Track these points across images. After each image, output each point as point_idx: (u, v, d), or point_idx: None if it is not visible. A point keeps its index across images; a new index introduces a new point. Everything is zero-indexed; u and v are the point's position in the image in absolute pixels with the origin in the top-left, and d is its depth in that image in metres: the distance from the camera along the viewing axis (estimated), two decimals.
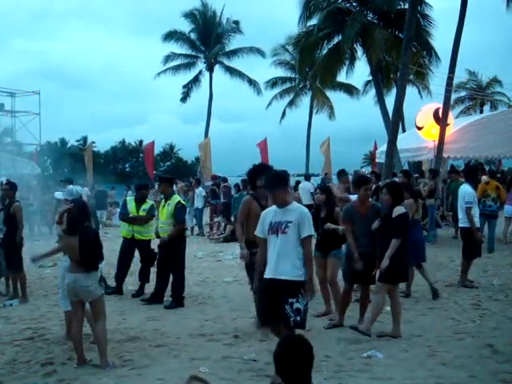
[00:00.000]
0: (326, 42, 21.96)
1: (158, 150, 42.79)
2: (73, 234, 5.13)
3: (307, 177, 19.76)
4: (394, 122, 14.06)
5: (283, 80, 36.17)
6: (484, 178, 11.93)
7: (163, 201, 7.95)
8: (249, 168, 6.30)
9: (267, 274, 4.67)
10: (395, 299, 5.98)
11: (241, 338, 5.95)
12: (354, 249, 6.13)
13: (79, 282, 5.02)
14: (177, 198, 7.88)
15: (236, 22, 35.39)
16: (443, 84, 17.08)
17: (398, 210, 5.83)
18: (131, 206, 8.44)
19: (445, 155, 16.73)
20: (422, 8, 19.69)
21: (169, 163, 57.14)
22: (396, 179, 13.67)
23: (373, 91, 26.59)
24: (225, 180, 19.43)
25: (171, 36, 34.92)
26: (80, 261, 5.06)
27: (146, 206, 8.35)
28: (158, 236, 7.92)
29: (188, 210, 16.28)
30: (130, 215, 8.34)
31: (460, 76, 29.36)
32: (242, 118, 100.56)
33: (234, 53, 35.67)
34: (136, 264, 8.53)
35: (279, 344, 2.74)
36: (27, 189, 16.57)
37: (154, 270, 8.46)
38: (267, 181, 4.92)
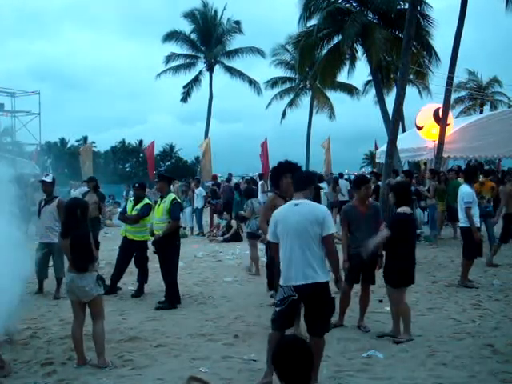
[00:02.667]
0: (325, 42, 21.96)
1: (157, 149, 42.78)
2: (65, 237, 5.20)
3: (341, 175, 20.67)
4: (394, 122, 14.04)
5: (283, 80, 36.12)
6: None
7: (159, 199, 8.02)
8: (274, 166, 6.35)
9: None
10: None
11: (241, 337, 5.95)
12: (344, 249, 6.17)
13: (75, 282, 5.08)
14: (172, 195, 7.91)
15: (237, 22, 35.32)
16: (443, 84, 17.10)
17: (401, 210, 5.80)
18: (129, 205, 8.63)
19: (445, 155, 16.74)
20: (422, 8, 19.68)
21: (169, 163, 57.11)
22: (398, 178, 13.72)
23: (373, 91, 26.60)
24: (228, 180, 19.79)
25: (171, 36, 34.88)
26: (71, 262, 5.15)
27: (138, 206, 8.40)
28: (152, 234, 7.94)
29: (189, 209, 16.39)
30: (126, 214, 8.53)
31: (460, 76, 29.37)
32: (242, 118, 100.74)
33: (234, 53, 35.63)
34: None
35: (279, 345, 2.73)
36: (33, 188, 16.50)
37: (153, 271, 8.48)
38: (295, 182, 4.87)
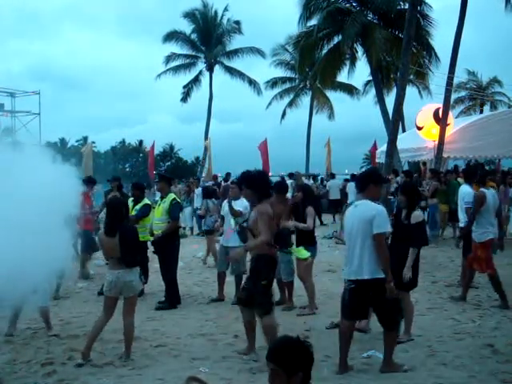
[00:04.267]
0: (325, 42, 22.00)
1: (157, 150, 42.76)
2: (111, 235, 5.21)
3: (333, 175, 21.47)
4: (394, 122, 14.06)
5: (283, 80, 36.14)
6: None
7: (159, 199, 8.04)
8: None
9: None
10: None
11: (241, 337, 5.94)
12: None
13: (123, 277, 5.16)
14: (172, 195, 7.91)
15: (237, 23, 35.30)
16: (443, 84, 17.12)
17: (417, 217, 5.75)
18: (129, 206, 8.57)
19: (445, 155, 16.74)
20: (422, 8, 19.72)
21: (169, 163, 57.08)
22: (398, 179, 13.73)
23: (373, 91, 26.60)
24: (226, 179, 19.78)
25: (171, 36, 34.88)
26: (121, 258, 5.16)
27: (137, 206, 8.40)
28: (151, 234, 7.94)
29: (188, 210, 16.37)
30: None
31: (460, 76, 29.36)
32: (242, 118, 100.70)
33: (234, 53, 35.63)
34: None
35: (278, 346, 2.71)
36: None
37: (153, 271, 8.47)
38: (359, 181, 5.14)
